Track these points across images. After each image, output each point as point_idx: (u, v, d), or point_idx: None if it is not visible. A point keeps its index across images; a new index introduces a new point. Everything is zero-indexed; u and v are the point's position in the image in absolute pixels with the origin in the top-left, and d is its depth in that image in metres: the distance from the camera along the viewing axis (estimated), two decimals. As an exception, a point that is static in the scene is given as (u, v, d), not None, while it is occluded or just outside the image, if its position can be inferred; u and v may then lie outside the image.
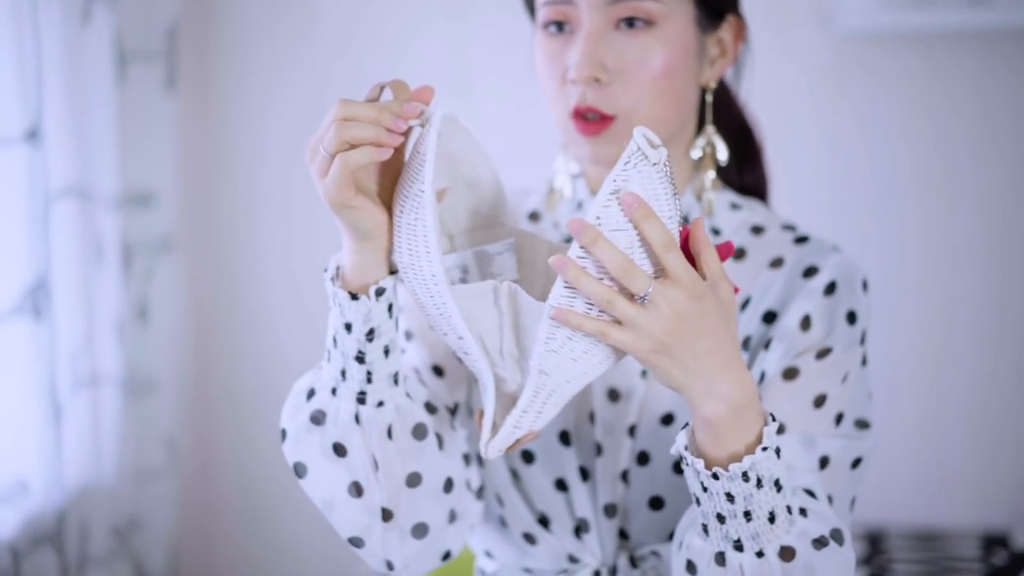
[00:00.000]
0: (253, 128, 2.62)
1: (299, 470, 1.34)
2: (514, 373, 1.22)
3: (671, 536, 1.42)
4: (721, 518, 1.22)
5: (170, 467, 2.56)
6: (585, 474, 1.45)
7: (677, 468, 1.41)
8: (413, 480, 1.35)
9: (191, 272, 2.66)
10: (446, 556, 1.40)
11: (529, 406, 1.21)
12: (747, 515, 1.20)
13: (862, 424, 1.38)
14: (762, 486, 1.19)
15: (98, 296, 2.32)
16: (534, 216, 1.55)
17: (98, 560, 2.34)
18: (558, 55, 1.40)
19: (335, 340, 1.30)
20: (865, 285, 1.43)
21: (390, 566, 1.36)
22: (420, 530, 1.36)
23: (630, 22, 1.37)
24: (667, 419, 1.42)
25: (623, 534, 1.44)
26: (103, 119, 2.31)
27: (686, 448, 1.22)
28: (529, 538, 1.47)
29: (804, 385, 1.36)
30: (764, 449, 1.19)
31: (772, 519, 1.21)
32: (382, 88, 1.24)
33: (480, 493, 1.46)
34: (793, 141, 2.41)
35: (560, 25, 1.40)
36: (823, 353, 1.37)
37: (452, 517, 1.40)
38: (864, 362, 1.41)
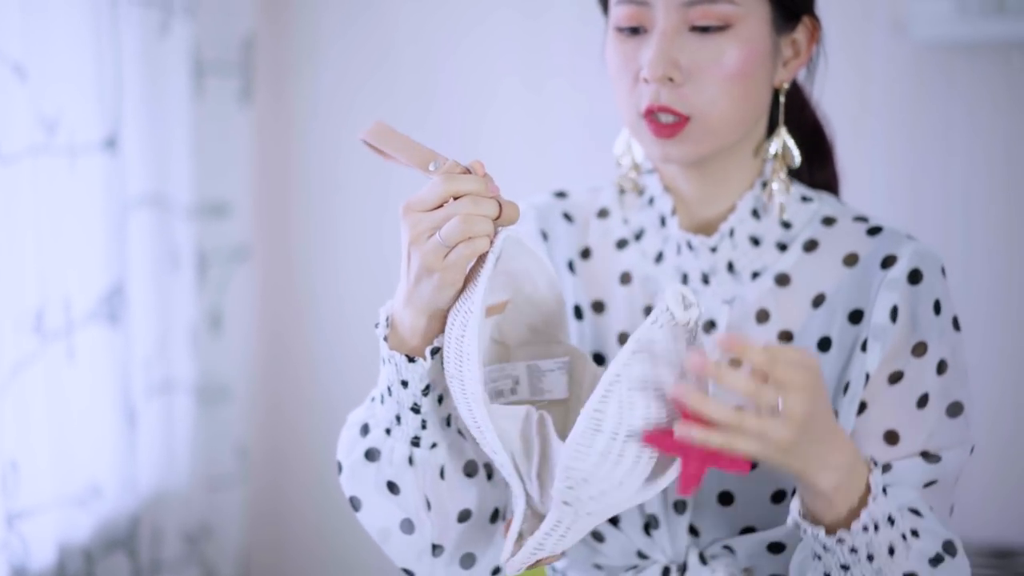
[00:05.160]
0: (328, 140, 2.64)
1: (355, 503, 1.39)
2: (541, 496, 1.25)
3: (742, 531, 1.41)
4: (845, 567, 1.26)
5: (241, 475, 2.58)
6: None
7: None
8: (463, 516, 1.38)
9: (264, 282, 2.69)
10: (495, 571, 1.44)
11: (552, 530, 1.24)
12: (870, 558, 1.25)
13: (959, 408, 1.39)
14: (879, 529, 1.24)
15: (173, 304, 2.35)
16: (603, 213, 1.55)
17: (170, 566, 2.37)
18: (631, 55, 1.39)
19: (389, 390, 1.32)
20: (943, 271, 1.42)
21: None
22: (468, 560, 1.40)
23: (705, 26, 1.36)
24: None
25: (693, 530, 1.43)
26: (180, 129, 2.34)
27: (803, 517, 1.26)
28: (597, 536, 1.46)
29: (909, 387, 1.37)
30: (875, 499, 1.23)
31: (892, 552, 1.25)
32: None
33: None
34: (871, 151, 2.39)
35: (634, 28, 1.39)
36: (919, 349, 1.38)
37: (496, 540, 1.42)
38: (958, 349, 1.41)
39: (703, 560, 1.43)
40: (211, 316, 2.51)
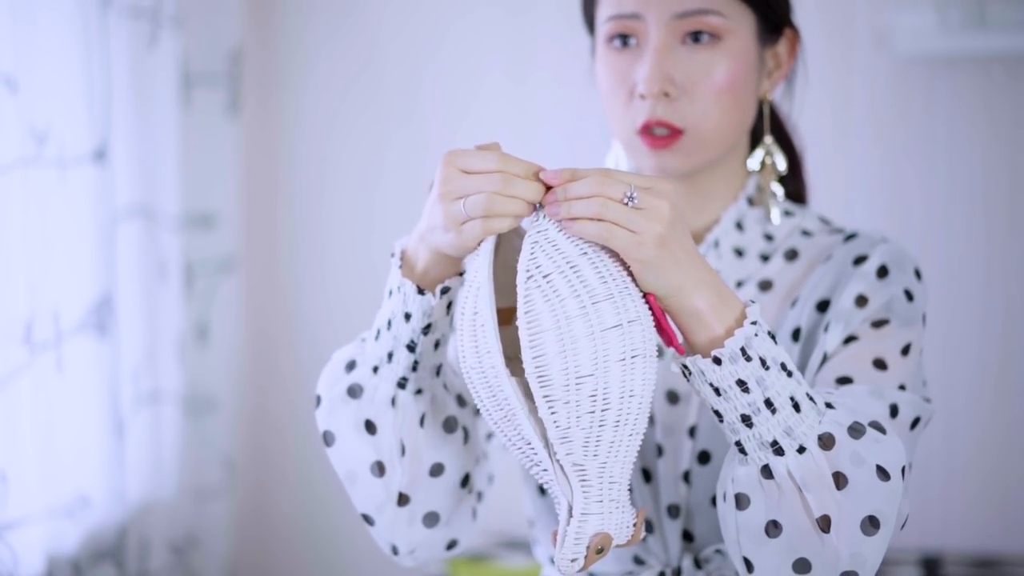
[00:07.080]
0: (314, 151, 2.65)
1: (328, 438, 1.36)
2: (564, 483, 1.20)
3: None
4: (747, 420, 1.21)
5: (228, 485, 2.59)
6: (647, 476, 1.46)
7: None
8: (436, 470, 1.37)
9: (251, 293, 2.69)
10: (451, 546, 1.42)
11: (586, 507, 1.18)
12: (769, 404, 1.20)
13: (924, 399, 1.38)
14: (768, 367, 1.20)
15: (160, 315, 2.36)
16: None
17: (157, 576, 2.37)
18: (624, 71, 1.42)
19: (389, 323, 1.32)
20: (918, 273, 1.43)
21: (395, 550, 1.39)
22: (431, 519, 1.38)
23: (696, 37, 1.39)
24: None
25: (687, 535, 1.45)
26: (168, 141, 2.35)
27: (684, 364, 1.23)
28: None
29: (862, 348, 1.36)
30: (753, 323, 1.20)
31: (797, 407, 1.21)
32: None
33: (481, 496, 1.47)
34: (853, 164, 2.41)
35: (625, 39, 1.42)
36: (879, 323, 1.38)
37: (463, 509, 1.42)
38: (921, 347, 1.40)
39: (697, 564, 1.44)
40: (198, 327, 2.51)
